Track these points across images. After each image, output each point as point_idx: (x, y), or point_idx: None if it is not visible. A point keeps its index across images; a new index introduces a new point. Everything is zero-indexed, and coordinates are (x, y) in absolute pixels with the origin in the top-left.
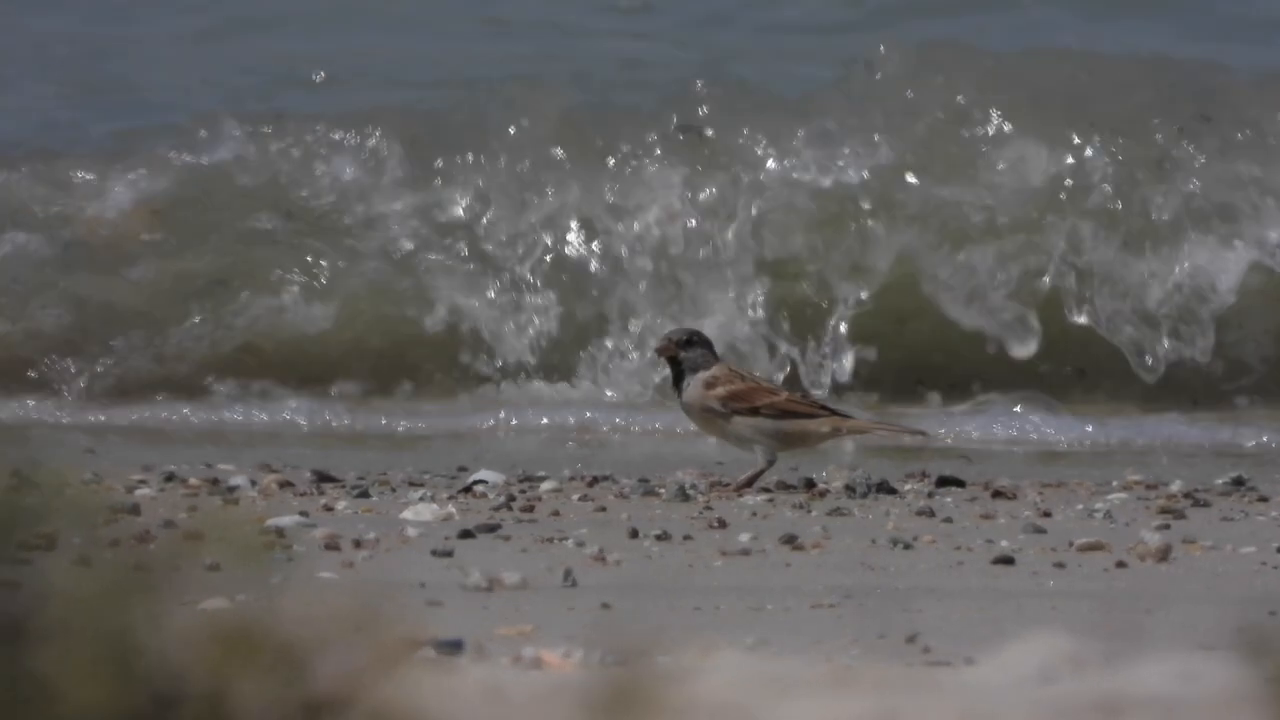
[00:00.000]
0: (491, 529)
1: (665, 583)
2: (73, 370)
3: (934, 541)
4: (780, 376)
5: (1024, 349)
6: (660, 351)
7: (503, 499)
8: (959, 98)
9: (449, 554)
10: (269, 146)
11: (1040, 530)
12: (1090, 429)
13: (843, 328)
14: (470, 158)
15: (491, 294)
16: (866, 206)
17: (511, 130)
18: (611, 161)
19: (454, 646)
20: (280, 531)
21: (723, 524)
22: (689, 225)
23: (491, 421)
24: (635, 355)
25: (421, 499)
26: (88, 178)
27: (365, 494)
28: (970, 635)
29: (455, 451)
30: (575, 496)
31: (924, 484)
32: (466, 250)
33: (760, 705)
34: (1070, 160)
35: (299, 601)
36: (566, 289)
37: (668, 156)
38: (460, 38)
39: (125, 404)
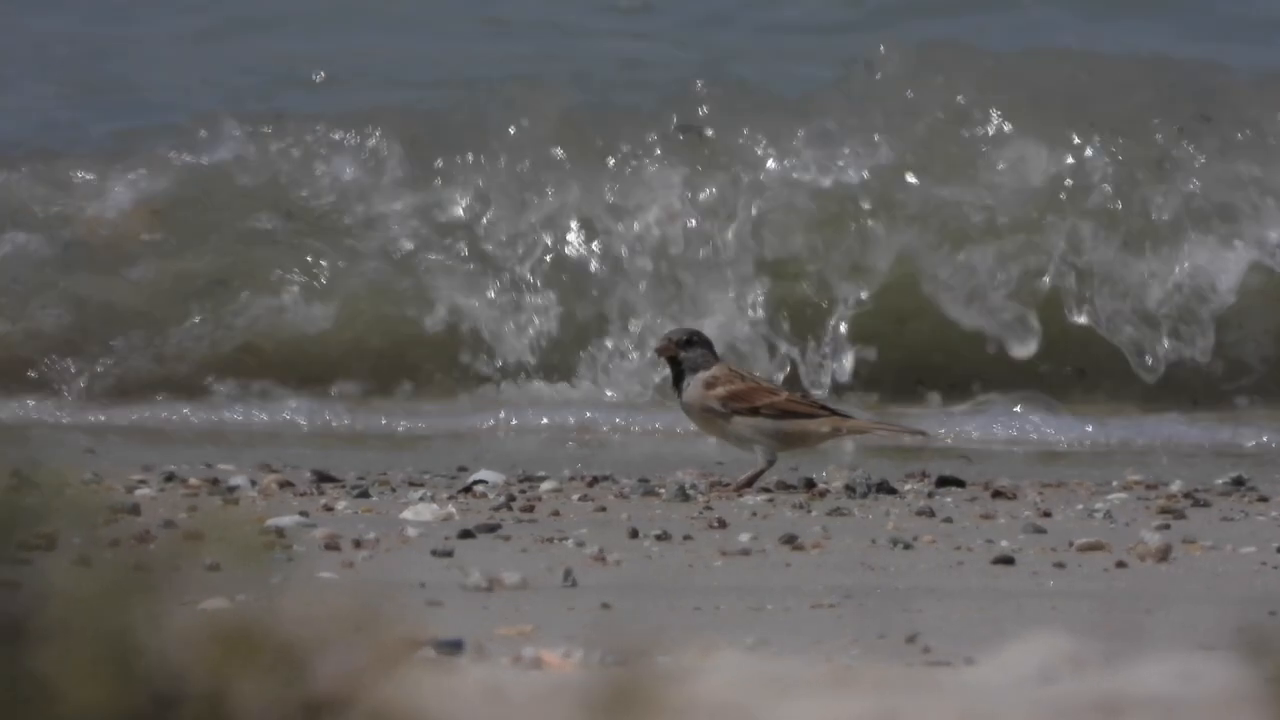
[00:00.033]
0: (491, 529)
1: (665, 583)
2: (73, 370)
3: (934, 541)
4: (780, 376)
5: (1024, 349)
6: (660, 352)
7: (503, 499)
8: (959, 97)
9: (449, 554)
10: (269, 146)
11: (1040, 530)
12: (1090, 429)
13: (843, 328)
14: (470, 157)
15: (491, 294)
16: (866, 206)
17: (511, 130)
18: (611, 161)
19: (454, 646)
20: (280, 531)
21: (723, 524)
22: (689, 225)
23: (491, 421)
24: (635, 355)
25: (421, 499)
26: (88, 178)
27: (365, 494)
28: (970, 635)
29: (455, 451)
30: (575, 496)
31: (924, 484)
32: (466, 250)
33: (760, 705)
34: (1070, 160)
35: (299, 601)
36: (566, 289)
37: (668, 156)
38: (460, 37)
39: (125, 404)
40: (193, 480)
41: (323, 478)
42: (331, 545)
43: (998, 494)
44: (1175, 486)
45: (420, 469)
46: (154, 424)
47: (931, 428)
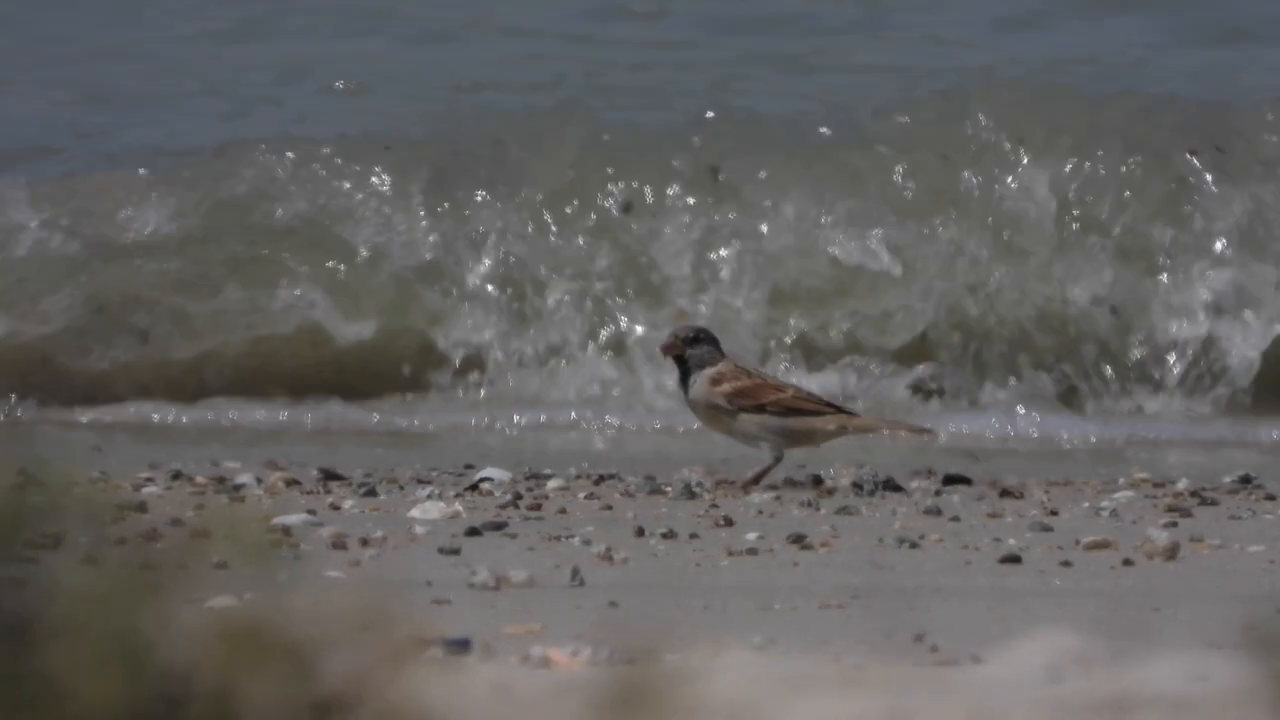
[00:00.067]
0: (498, 527)
1: (672, 581)
2: (80, 368)
3: (941, 540)
4: (786, 371)
5: (1028, 348)
6: (666, 350)
7: (509, 497)
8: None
9: (456, 552)
10: (285, 154)
11: (1047, 529)
12: (1097, 427)
13: (852, 325)
14: (483, 173)
15: (499, 292)
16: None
17: (528, 155)
18: (623, 186)
19: (461, 645)
20: (287, 530)
21: (729, 522)
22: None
23: (498, 419)
24: (643, 353)
25: (429, 497)
26: (99, 179)
27: (372, 492)
28: (978, 634)
29: (462, 449)
30: (581, 494)
31: (931, 482)
32: (473, 253)
33: (768, 705)
34: (1081, 184)
35: (306, 600)
36: (573, 290)
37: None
38: (472, 44)
39: (132, 402)
40: (199, 478)
41: (330, 476)
42: (339, 544)
43: (1005, 492)
44: (1182, 484)
45: (427, 467)
46: (161, 422)
47: (938, 426)
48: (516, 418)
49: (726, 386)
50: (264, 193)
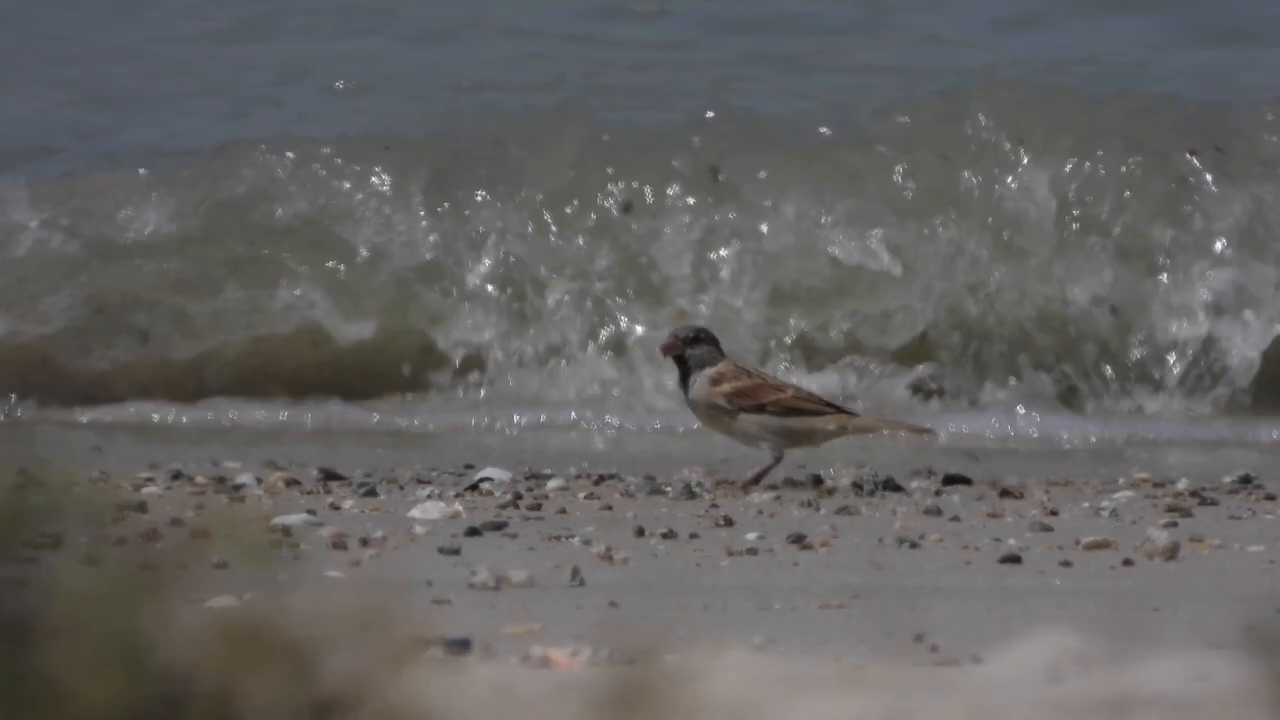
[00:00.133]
0: (498, 527)
1: (672, 581)
2: (80, 368)
3: (941, 540)
4: (786, 371)
5: (1028, 348)
6: (666, 350)
7: (509, 497)
8: (980, 129)
9: (456, 552)
10: (285, 154)
11: (1047, 529)
12: (1097, 427)
13: (852, 326)
14: (483, 173)
15: (499, 292)
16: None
17: (527, 155)
18: (623, 186)
19: (461, 645)
20: (287, 530)
21: (729, 522)
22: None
23: (498, 419)
24: (643, 353)
25: (429, 497)
26: (99, 179)
27: (372, 492)
28: (978, 634)
29: (462, 449)
30: (581, 494)
31: (931, 482)
32: (473, 253)
33: (769, 705)
34: (1081, 184)
35: (306, 600)
36: (573, 290)
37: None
38: (470, 44)
39: (132, 402)
40: (199, 478)
41: (330, 476)
42: (339, 544)
43: (1005, 493)
44: (1182, 484)
45: (427, 467)
46: (161, 422)
47: (938, 426)
48: (516, 418)
49: (726, 386)
50: (264, 193)
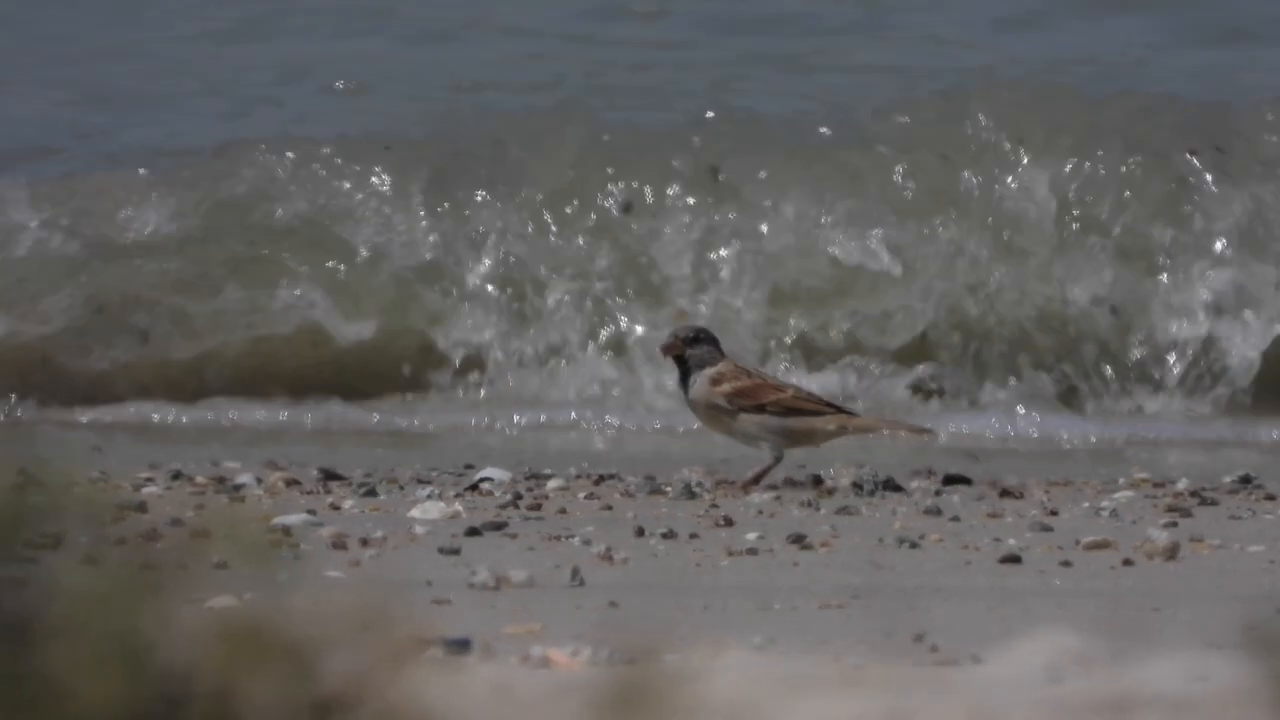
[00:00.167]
0: (498, 527)
1: (672, 581)
2: (80, 368)
3: (941, 540)
4: (786, 371)
5: (1028, 348)
6: (666, 350)
7: (509, 497)
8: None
9: (456, 552)
10: (285, 154)
11: (1047, 529)
12: (1097, 427)
13: (851, 326)
14: (483, 173)
15: (499, 292)
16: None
17: (527, 155)
18: (623, 186)
19: (461, 645)
20: (287, 530)
21: (729, 522)
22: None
23: (498, 419)
24: (643, 353)
25: (429, 497)
26: (99, 179)
27: (372, 492)
28: (978, 634)
29: (462, 449)
30: (581, 494)
31: (931, 482)
32: (473, 253)
33: (769, 705)
34: (1081, 184)
35: (306, 600)
36: (573, 290)
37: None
38: (470, 44)
39: (132, 402)
40: (199, 478)
41: (330, 476)
42: (339, 544)
43: (1005, 493)
44: (1182, 484)
45: (427, 467)
46: (161, 422)
47: (938, 426)
48: (516, 418)
49: (726, 386)
50: (264, 193)
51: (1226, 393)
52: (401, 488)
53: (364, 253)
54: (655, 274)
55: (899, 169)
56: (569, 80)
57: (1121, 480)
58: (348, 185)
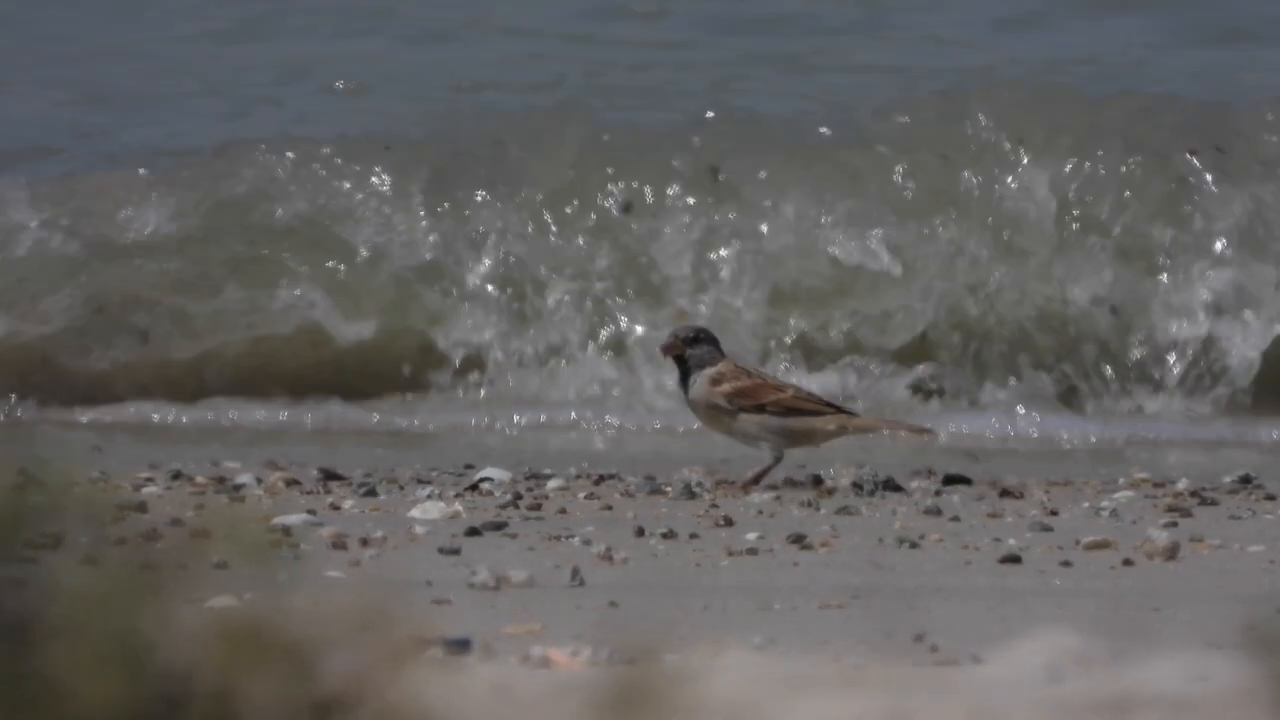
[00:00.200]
0: (498, 527)
1: (672, 581)
2: (80, 368)
3: (941, 540)
4: (786, 371)
5: (1028, 348)
6: (666, 350)
7: (509, 497)
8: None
9: (456, 552)
10: (285, 154)
11: (1047, 529)
12: (1097, 427)
13: (851, 326)
14: (483, 173)
15: (499, 292)
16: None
17: (527, 155)
18: (623, 186)
19: (461, 645)
20: (287, 530)
21: (729, 522)
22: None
23: (498, 419)
24: (643, 353)
25: (429, 497)
26: (99, 179)
27: (372, 492)
28: (978, 634)
29: (462, 449)
30: (581, 494)
31: (931, 482)
32: (473, 253)
33: (769, 705)
34: (1081, 184)
35: (306, 600)
36: (573, 290)
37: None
38: (470, 44)
39: (132, 402)
40: (199, 478)
41: (330, 476)
42: (338, 544)
43: (1005, 493)
44: (1182, 484)
45: (427, 467)
46: (161, 422)
47: (938, 426)
48: (516, 418)
49: (726, 386)
50: (264, 193)
51: (1226, 393)
52: (401, 488)
53: (364, 253)
54: (655, 274)
55: (899, 169)
56: (569, 80)
57: (1121, 480)
58: (348, 185)
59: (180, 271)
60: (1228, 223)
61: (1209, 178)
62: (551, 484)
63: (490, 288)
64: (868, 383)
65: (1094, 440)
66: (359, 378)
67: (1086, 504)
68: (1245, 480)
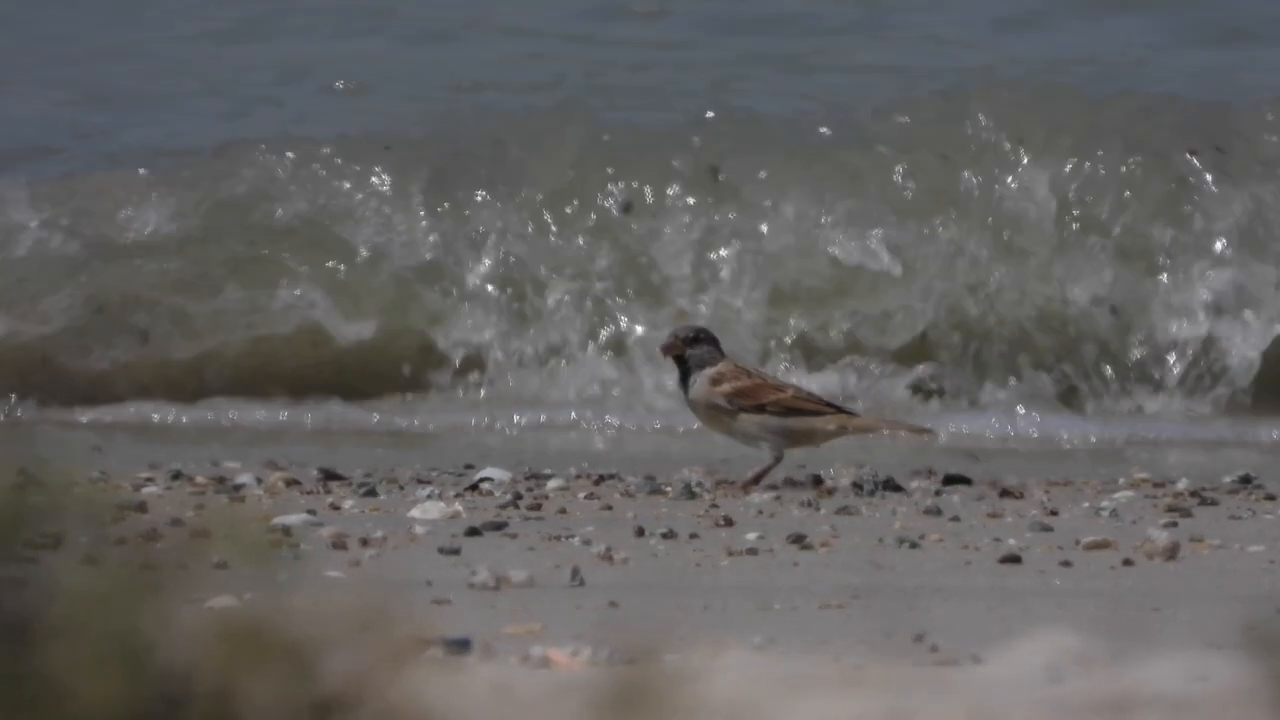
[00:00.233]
0: (498, 527)
1: (672, 581)
2: (80, 368)
3: (941, 540)
4: (786, 371)
5: (1028, 348)
6: (666, 350)
7: (509, 497)
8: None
9: (456, 552)
10: (285, 154)
11: (1047, 529)
12: (1097, 427)
13: (851, 326)
14: (483, 173)
15: (499, 292)
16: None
17: (528, 155)
18: (623, 186)
19: (462, 645)
20: (287, 530)
21: (729, 522)
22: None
23: (498, 419)
24: (643, 353)
25: (429, 497)
26: (99, 179)
27: (372, 492)
28: (978, 634)
29: (462, 449)
30: (581, 494)
31: (931, 482)
32: (473, 253)
33: (768, 705)
34: (1081, 184)
35: (306, 600)
36: (573, 290)
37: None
38: (471, 44)
39: (132, 402)
40: (199, 478)
41: (330, 476)
42: (338, 543)
43: (1005, 493)
44: (1182, 484)
45: (427, 466)
46: (161, 422)
47: (938, 426)
48: (516, 418)
49: (726, 386)
50: (264, 193)
51: (1226, 393)
52: (401, 488)
53: (364, 253)
54: (655, 274)
55: (899, 169)
56: (569, 80)
57: (1121, 480)
58: (348, 185)
59: (180, 271)
60: (1228, 223)
61: (1209, 178)
62: (551, 484)
63: (490, 288)
64: (868, 383)
65: (1094, 440)
66: (359, 378)
67: (1086, 504)
68: (1245, 480)
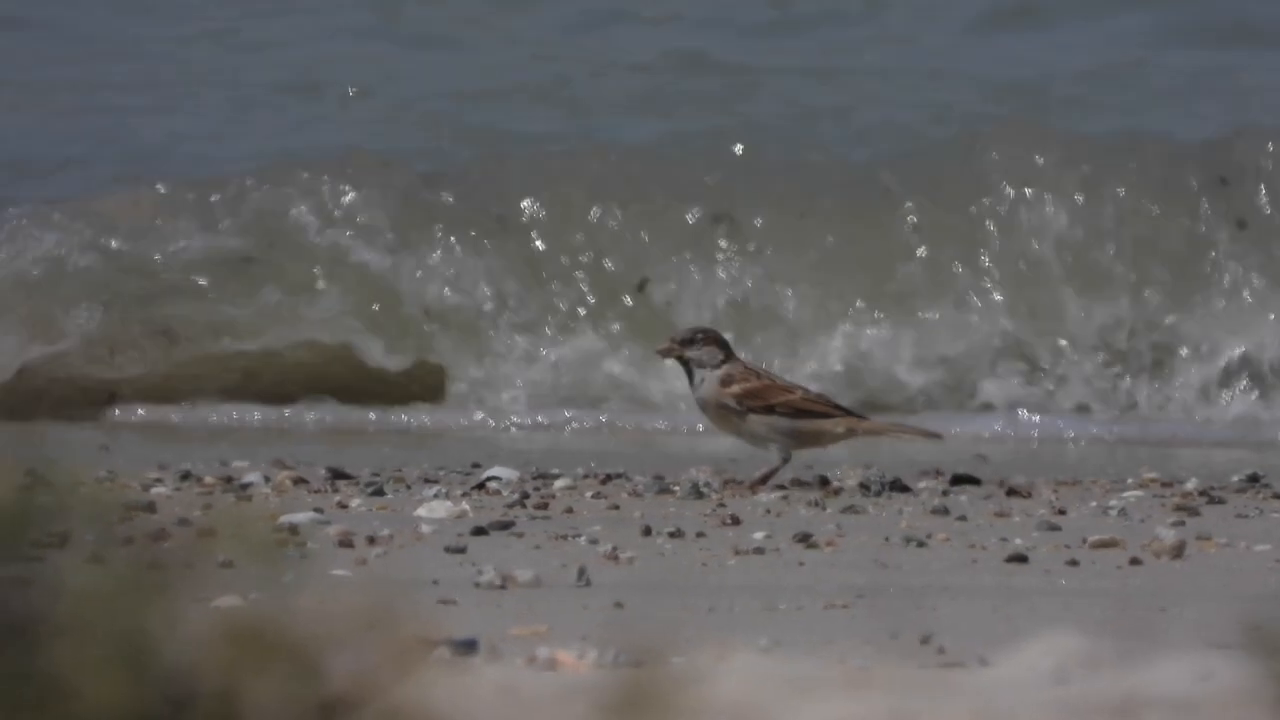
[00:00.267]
0: (505, 526)
1: (679, 581)
2: (90, 370)
3: (948, 540)
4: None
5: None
6: (664, 353)
7: (516, 496)
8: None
9: (462, 551)
10: (293, 165)
11: (1054, 528)
12: (1104, 426)
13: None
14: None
15: (500, 293)
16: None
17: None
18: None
19: (468, 646)
20: (294, 528)
21: (736, 522)
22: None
23: (505, 419)
24: (644, 353)
25: (436, 496)
26: (116, 192)
27: (380, 491)
28: (984, 634)
29: (469, 448)
30: (588, 494)
31: (938, 482)
32: (474, 253)
33: (775, 706)
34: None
35: (313, 599)
36: (576, 291)
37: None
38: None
39: (140, 402)
40: (208, 478)
41: (337, 475)
42: (345, 542)
43: (1012, 492)
44: (1190, 484)
45: (435, 465)
46: (169, 422)
47: (946, 427)
48: (523, 417)
49: (736, 388)
50: (269, 200)
51: (1235, 392)
52: (408, 487)
53: (370, 260)
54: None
55: (909, 207)
56: (571, 82)
57: (1130, 480)
58: (352, 195)
59: (191, 278)
60: (1233, 228)
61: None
62: (558, 483)
63: (492, 288)
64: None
65: (1102, 440)
66: (366, 379)
67: (1094, 503)
68: (1253, 479)
